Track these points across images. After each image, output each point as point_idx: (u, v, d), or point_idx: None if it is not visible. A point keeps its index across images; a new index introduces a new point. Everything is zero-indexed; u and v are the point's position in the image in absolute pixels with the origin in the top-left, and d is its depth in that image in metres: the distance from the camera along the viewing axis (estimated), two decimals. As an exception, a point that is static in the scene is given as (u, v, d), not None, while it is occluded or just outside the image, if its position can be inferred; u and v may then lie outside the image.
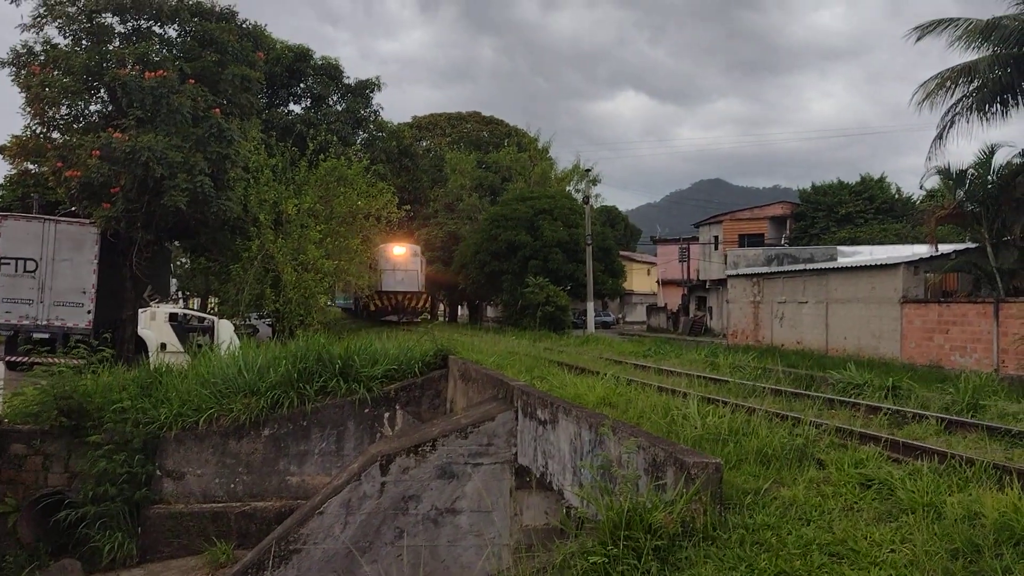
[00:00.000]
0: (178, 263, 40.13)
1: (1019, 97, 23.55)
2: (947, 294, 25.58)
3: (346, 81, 39.42)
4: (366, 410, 14.09)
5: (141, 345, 23.22)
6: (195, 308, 34.38)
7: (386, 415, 14.30)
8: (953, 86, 23.75)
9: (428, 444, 10.63)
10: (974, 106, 23.66)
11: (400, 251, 43.09)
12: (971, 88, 23.78)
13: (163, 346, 23.59)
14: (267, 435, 13.73)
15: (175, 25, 23.25)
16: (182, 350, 21.43)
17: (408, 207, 34.97)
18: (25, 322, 20.28)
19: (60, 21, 21.56)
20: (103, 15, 21.85)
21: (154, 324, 24.71)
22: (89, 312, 20.72)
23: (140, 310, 23.39)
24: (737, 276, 36.75)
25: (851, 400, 10.94)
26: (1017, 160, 24.71)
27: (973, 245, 26.20)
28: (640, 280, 74.80)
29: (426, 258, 46.92)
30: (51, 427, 13.55)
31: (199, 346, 18.73)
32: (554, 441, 9.20)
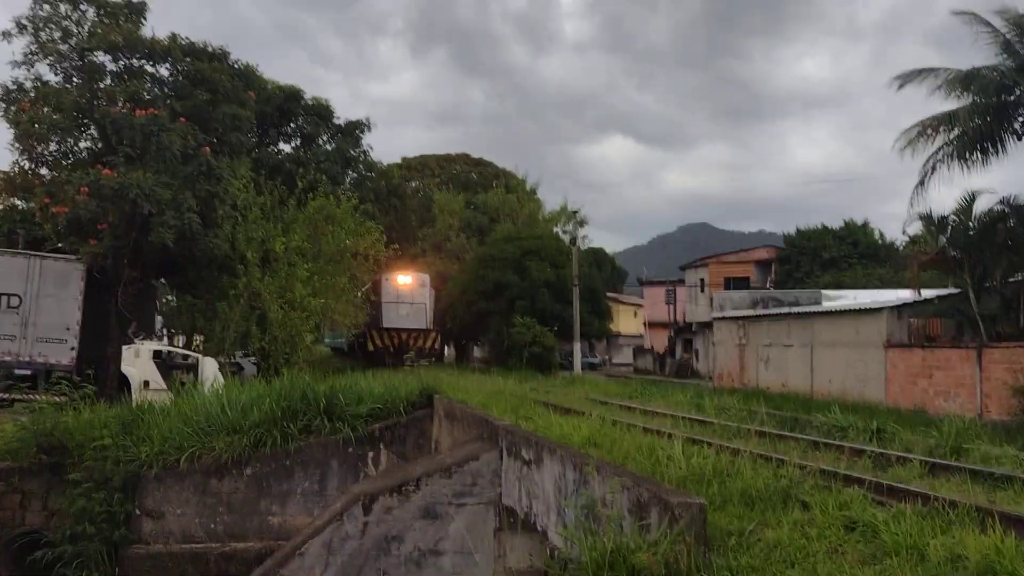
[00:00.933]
0: (164, 300, 39.99)
1: (999, 145, 23.95)
2: (931, 339, 25.73)
3: (336, 121, 39.65)
4: (350, 449, 13.99)
5: (124, 382, 23.01)
6: (180, 345, 34.14)
7: (370, 454, 14.19)
8: (934, 134, 24.15)
9: (412, 484, 10.56)
10: (955, 154, 24.04)
11: (406, 281, 37.70)
12: (952, 136, 24.19)
13: (146, 383, 23.39)
14: (249, 474, 13.59)
15: (167, 64, 23.39)
16: (165, 387, 21.25)
17: (396, 246, 34.57)
18: (7, 358, 20.07)
19: (52, 59, 21.68)
20: (95, 53, 21.98)
21: (138, 361, 24.50)
22: (73, 348, 20.55)
23: (124, 347, 23.23)
24: (723, 319, 36.89)
25: (836, 442, 10.96)
26: (998, 207, 25.04)
27: (956, 290, 26.44)
28: (627, 322, 74.89)
29: (436, 290, 41.60)
30: (30, 464, 13.37)
31: (182, 383, 18.59)
32: (539, 481, 9.16)
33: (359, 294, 34.12)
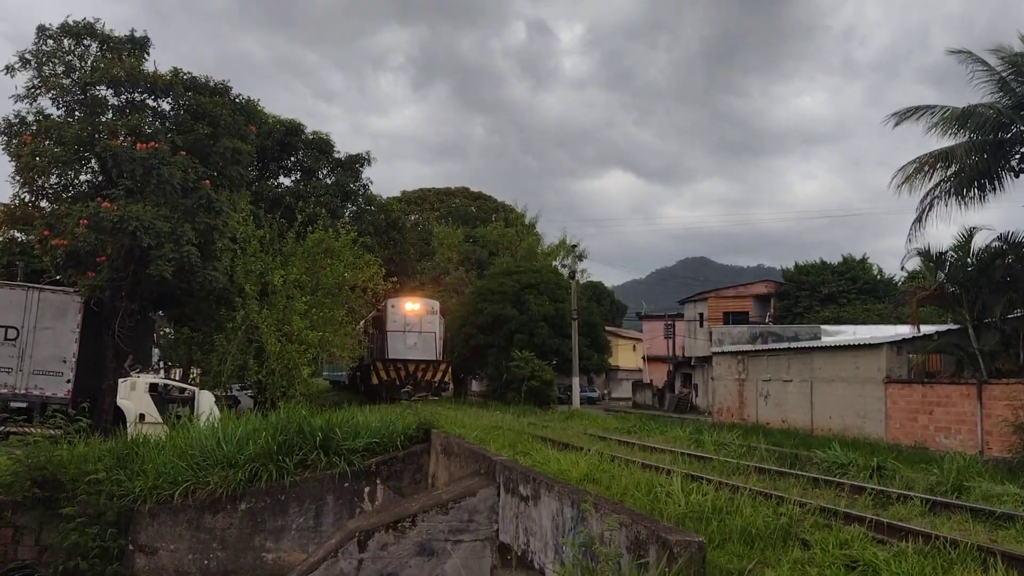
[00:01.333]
0: (161, 333, 39.89)
1: (996, 182, 24.08)
2: (930, 375, 25.67)
3: (336, 155, 39.96)
4: (346, 484, 13.86)
5: (120, 415, 22.88)
6: (177, 378, 34.04)
7: (366, 489, 14.06)
8: (931, 170, 24.28)
9: (408, 520, 10.45)
10: (952, 190, 24.15)
11: (414, 307, 34.35)
12: (949, 173, 24.32)
13: (142, 417, 23.25)
14: (244, 509, 13.45)
15: (169, 98, 23.58)
16: (161, 421, 21.12)
17: (395, 279, 34.40)
18: (3, 391, 19.99)
19: (54, 92, 21.86)
20: (97, 87, 22.16)
21: (134, 394, 24.39)
22: (69, 381, 20.47)
23: (120, 380, 23.14)
24: (722, 353, 36.81)
25: (836, 479, 10.87)
26: (995, 243, 25.11)
27: (955, 326, 26.40)
28: (626, 356, 74.75)
29: (447, 318, 38.59)
30: (23, 498, 13.23)
31: (178, 417, 18.47)
32: (536, 518, 9.06)
33: (358, 327, 33.89)
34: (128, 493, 13.26)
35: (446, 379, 34.94)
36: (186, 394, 25.13)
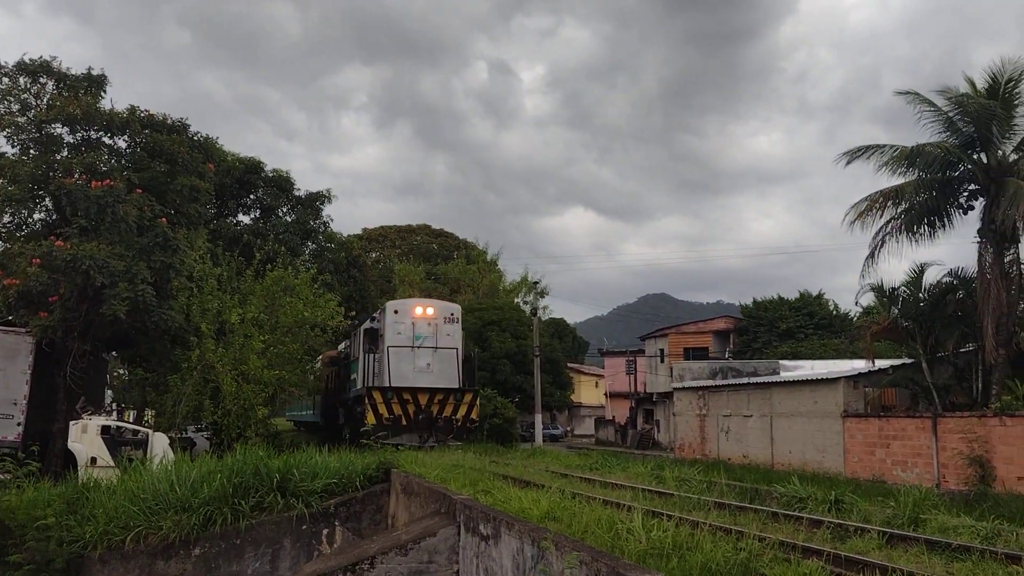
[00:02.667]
0: (115, 374, 39.11)
1: (945, 219, 24.74)
2: (886, 408, 26.04)
3: (296, 193, 39.90)
4: (303, 526, 13.59)
5: (71, 459, 22.33)
6: (131, 420, 33.32)
7: (324, 531, 13.81)
8: (882, 208, 24.90)
9: (366, 562, 10.28)
10: (903, 227, 24.77)
11: (426, 312, 25.17)
12: (899, 210, 24.96)
13: (93, 460, 22.70)
14: (197, 554, 13.11)
15: (125, 136, 23.38)
16: (113, 464, 20.64)
17: (354, 313, 34.19)
18: (-50, 434, 19.37)
19: (9, 130, 21.55)
20: (53, 125, 21.91)
21: (85, 437, 23.83)
22: (19, 424, 19.90)
23: (72, 422, 22.61)
24: (683, 389, 37.01)
25: (795, 514, 10.93)
26: (946, 279, 25.72)
27: (909, 361, 26.90)
28: (588, 392, 74.81)
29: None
30: (-33, 546, 12.78)
31: (131, 460, 18.06)
32: (496, 557, 8.96)
33: (317, 364, 33.13)
34: (78, 539, 12.87)
35: (473, 415, 24.38)
36: (139, 436, 24.61)
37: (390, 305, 25.52)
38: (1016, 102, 23.23)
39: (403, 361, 24.21)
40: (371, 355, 25.15)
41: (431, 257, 68.23)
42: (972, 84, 23.88)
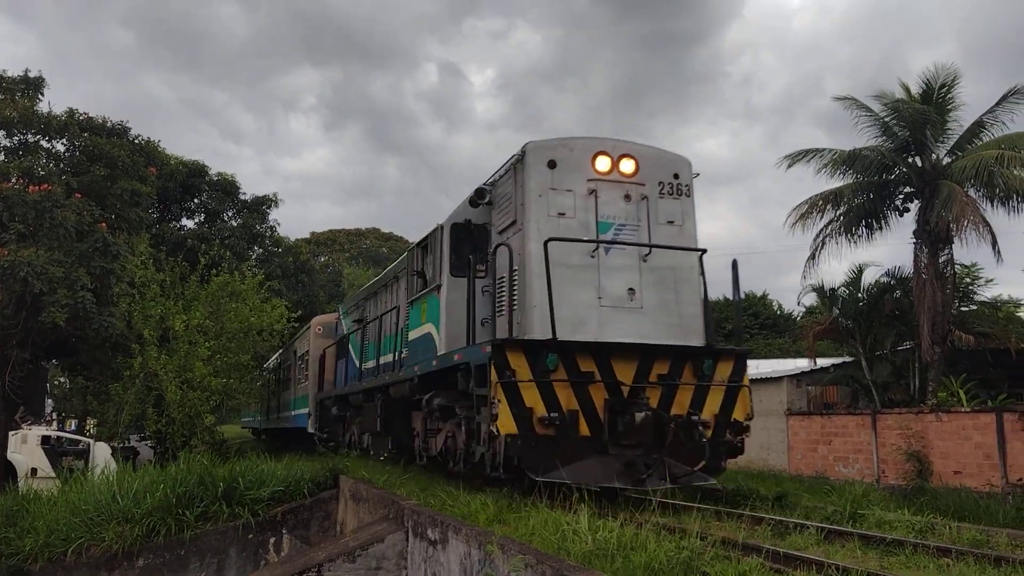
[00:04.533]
0: (55, 383, 38.16)
1: (882, 220, 25.42)
2: (828, 406, 26.63)
3: (242, 197, 39.37)
4: (250, 535, 13.46)
5: (10, 470, 21.85)
6: (71, 430, 32.61)
7: (271, 540, 13.69)
8: (822, 210, 25.51)
9: (313, 569, 10.23)
10: (842, 228, 25.40)
11: (623, 166, 11.30)
12: (839, 212, 25.59)
13: (34, 471, 22.25)
14: (141, 566, 12.90)
15: (64, 139, 22.90)
16: (54, 475, 20.23)
17: (302, 323, 33.72)
18: None
19: (-60, 134, 21.01)
20: (-12, 129, 21.40)
21: (25, 448, 23.35)
22: (-47, 436, 19.40)
23: (11, 433, 22.10)
24: (632, 390, 37.27)
25: (737, 511, 11.13)
26: (884, 279, 26.46)
27: (850, 359, 27.58)
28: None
29: None
30: (-101, 563, 12.43)
31: (72, 470, 17.71)
32: (444, 562, 9.00)
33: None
34: (18, 552, 12.61)
35: (740, 414, 11.10)
36: (81, 446, 24.17)
37: (534, 149, 11.06)
38: (949, 107, 23.99)
39: (573, 283, 10.61)
40: (464, 281, 11.35)
41: (381, 261, 67.87)
42: (907, 90, 24.59)
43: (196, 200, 38.09)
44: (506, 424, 9.54)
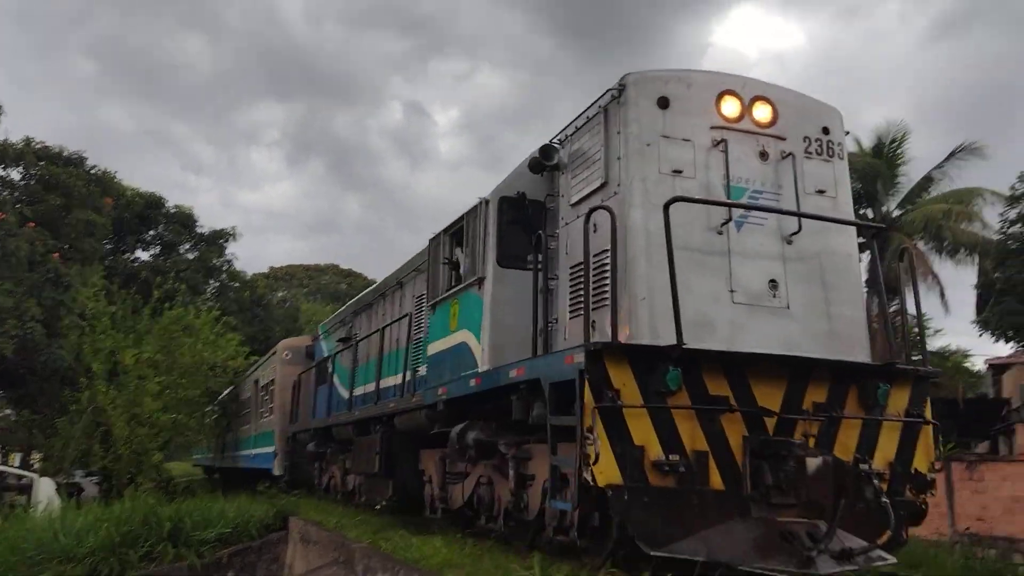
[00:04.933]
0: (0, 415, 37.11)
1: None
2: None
3: (200, 230, 39.05)
4: (195, 578, 13.16)
5: (-54, 506, 21.12)
6: (16, 464, 31.64)
7: (217, 583, 13.39)
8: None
9: (260, 614, 10.00)
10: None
11: (757, 112, 7.82)
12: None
13: (-29, 507, 21.52)
14: (81, 607, 12.52)
15: (19, 168, 22.64)
16: (-8, 512, 19.59)
17: (258, 357, 33.20)
18: None
19: None
20: (-60, 155, 21.08)
21: (-37, 483, 22.60)
22: None
23: (-51, 467, 21.43)
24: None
25: None
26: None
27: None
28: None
29: None
30: None
31: (12, 507, 17.21)
32: (394, 607, 8.87)
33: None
34: (-48, 594, 12.17)
35: (923, 464, 7.55)
36: (23, 481, 23.42)
37: (638, 81, 7.59)
38: (899, 161, 24.74)
39: (695, 270, 7.22)
40: (515, 274, 8.98)
41: (339, 297, 67.44)
42: (859, 144, 25.32)
43: (152, 232, 37.68)
44: (607, 471, 6.32)
